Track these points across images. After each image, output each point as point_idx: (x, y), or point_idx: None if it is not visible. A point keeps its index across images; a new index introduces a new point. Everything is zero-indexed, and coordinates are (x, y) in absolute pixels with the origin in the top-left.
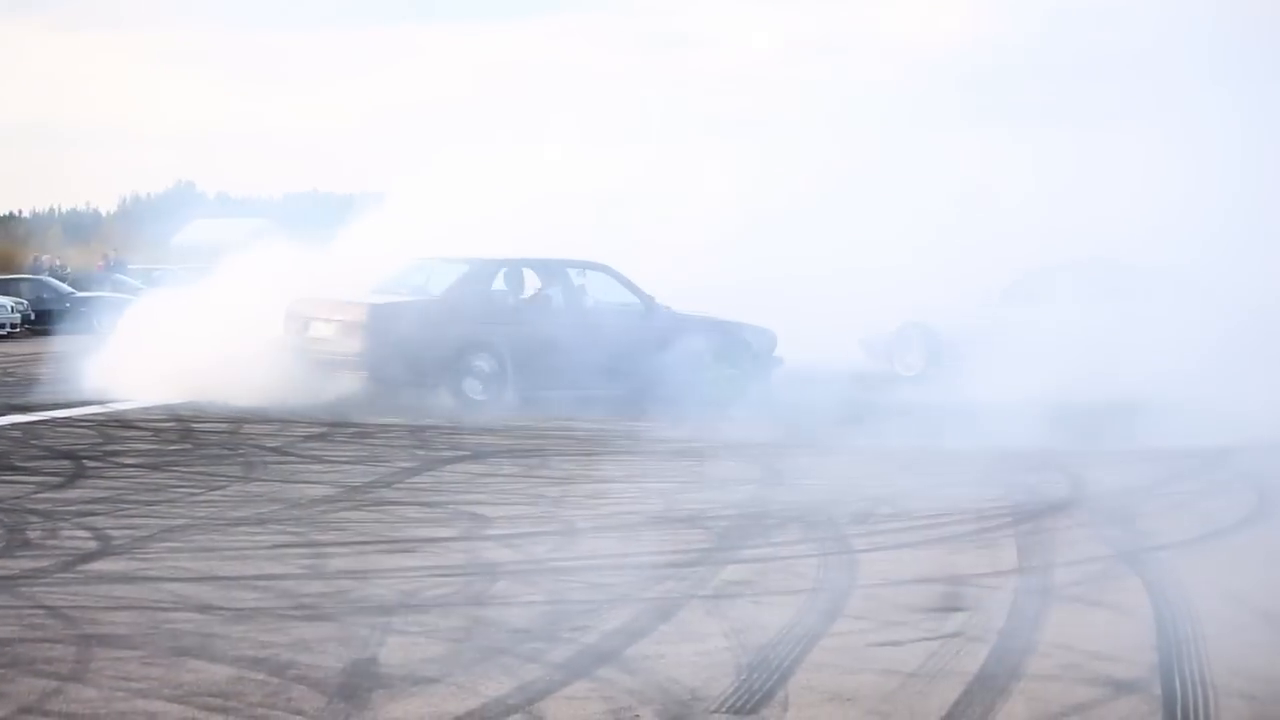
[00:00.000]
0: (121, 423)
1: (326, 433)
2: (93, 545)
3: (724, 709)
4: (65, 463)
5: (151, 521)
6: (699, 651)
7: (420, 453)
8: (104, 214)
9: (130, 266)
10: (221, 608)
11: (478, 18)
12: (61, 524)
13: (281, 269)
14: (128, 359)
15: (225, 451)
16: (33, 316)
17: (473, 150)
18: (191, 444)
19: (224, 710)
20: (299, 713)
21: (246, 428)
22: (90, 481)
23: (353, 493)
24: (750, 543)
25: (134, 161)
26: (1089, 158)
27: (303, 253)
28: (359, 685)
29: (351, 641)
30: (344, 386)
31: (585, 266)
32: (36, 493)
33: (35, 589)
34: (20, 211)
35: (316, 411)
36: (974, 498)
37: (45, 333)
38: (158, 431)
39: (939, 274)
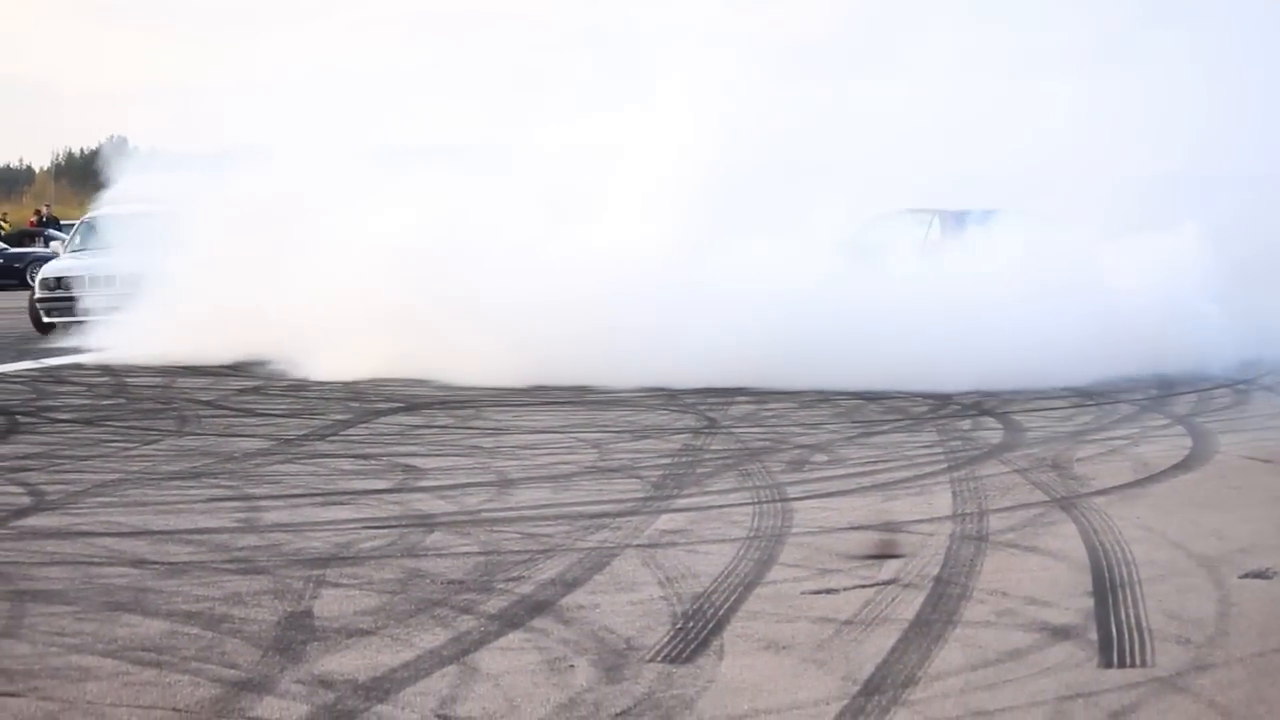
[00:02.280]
0: (55, 378)
1: (261, 386)
2: (26, 501)
3: (659, 658)
4: None
5: (85, 476)
6: (634, 601)
7: (354, 405)
8: (37, 170)
9: (63, 223)
10: (155, 562)
11: None
12: None
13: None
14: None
15: (159, 406)
16: None
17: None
18: (125, 398)
19: (158, 665)
20: (233, 666)
21: (180, 381)
22: (23, 437)
23: (286, 446)
24: (685, 492)
25: (67, 117)
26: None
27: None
28: (294, 638)
29: (285, 595)
30: None
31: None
32: None
33: None
34: None
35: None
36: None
37: None
38: (91, 386)
39: None
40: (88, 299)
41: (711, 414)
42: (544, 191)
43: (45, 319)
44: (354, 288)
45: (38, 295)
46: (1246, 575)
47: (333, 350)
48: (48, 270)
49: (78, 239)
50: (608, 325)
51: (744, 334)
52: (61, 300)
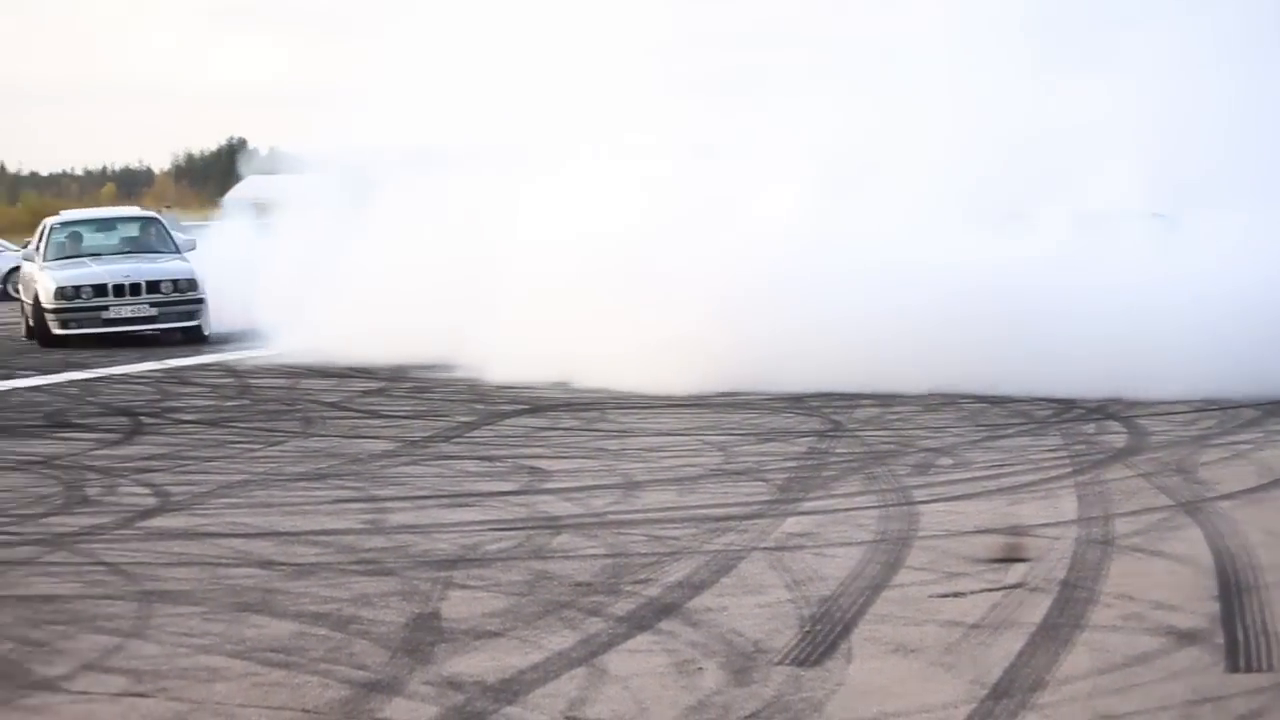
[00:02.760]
0: (179, 379)
1: (384, 387)
2: (152, 501)
3: (788, 661)
4: (123, 419)
5: (211, 477)
6: (761, 604)
7: (479, 407)
8: (156, 170)
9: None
10: (282, 563)
11: None
12: (120, 480)
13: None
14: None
15: (283, 407)
16: None
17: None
18: (249, 400)
19: (286, 665)
20: (362, 667)
21: (305, 383)
22: (148, 438)
23: (412, 447)
24: (811, 495)
25: (186, 118)
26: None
27: None
28: (421, 640)
29: (413, 596)
30: None
31: None
32: (94, 449)
33: (94, 545)
34: (72, 169)
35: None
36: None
37: None
38: (215, 387)
39: None
40: (118, 309)
41: (836, 417)
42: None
43: (59, 330)
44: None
45: (52, 305)
46: None
47: (511, 353)
48: (60, 279)
49: (53, 246)
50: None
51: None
52: (83, 311)
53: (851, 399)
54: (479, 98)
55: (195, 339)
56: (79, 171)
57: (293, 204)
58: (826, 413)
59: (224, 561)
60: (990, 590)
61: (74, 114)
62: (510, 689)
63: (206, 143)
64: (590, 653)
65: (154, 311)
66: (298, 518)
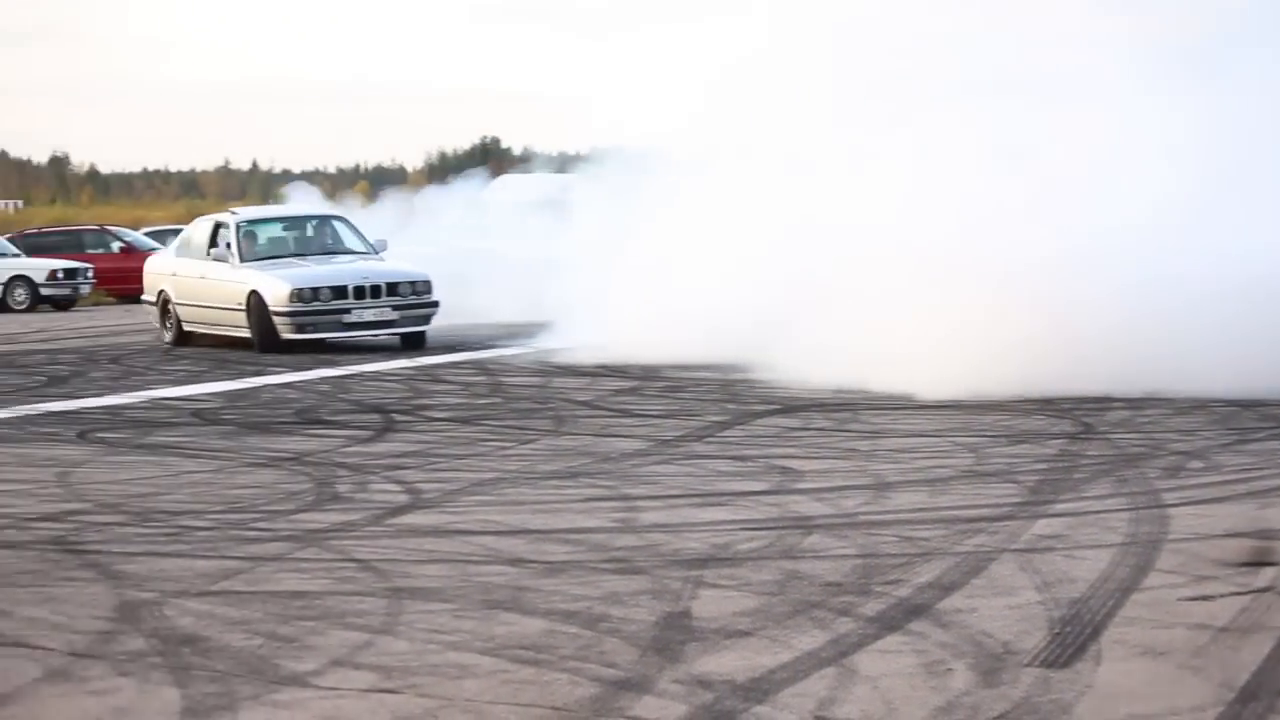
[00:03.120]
0: (431, 377)
1: (637, 386)
2: (403, 499)
3: (1037, 663)
4: (374, 417)
5: (462, 475)
6: (1011, 605)
7: (730, 406)
8: (409, 169)
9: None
10: (533, 561)
11: None
12: (371, 477)
13: None
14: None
15: (535, 405)
16: None
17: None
18: (501, 398)
19: (536, 663)
20: (612, 665)
21: (556, 381)
22: (399, 435)
23: (663, 446)
24: (1062, 497)
25: (439, 118)
26: None
27: None
28: (671, 638)
29: (664, 595)
30: None
31: None
32: (345, 446)
33: (345, 542)
34: (324, 167)
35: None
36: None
37: None
38: (467, 385)
39: None
40: (360, 312)
41: (1087, 419)
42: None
43: (293, 335)
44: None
45: (285, 307)
46: None
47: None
48: (294, 279)
49: (249, 246)
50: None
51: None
52: (321, 314)
53: (1102, 401)
54: (765, 95)
55: (416, 345)
56: (331, 169)
57: (567, 201)
58: (1077, 415)
59: (474, 559)
60: (1239, 594)
61: (333, 113)
62: (759, 688)
63: (460, 141)
64: (840, 653)
65: (395, 315)
66: (549, 516)
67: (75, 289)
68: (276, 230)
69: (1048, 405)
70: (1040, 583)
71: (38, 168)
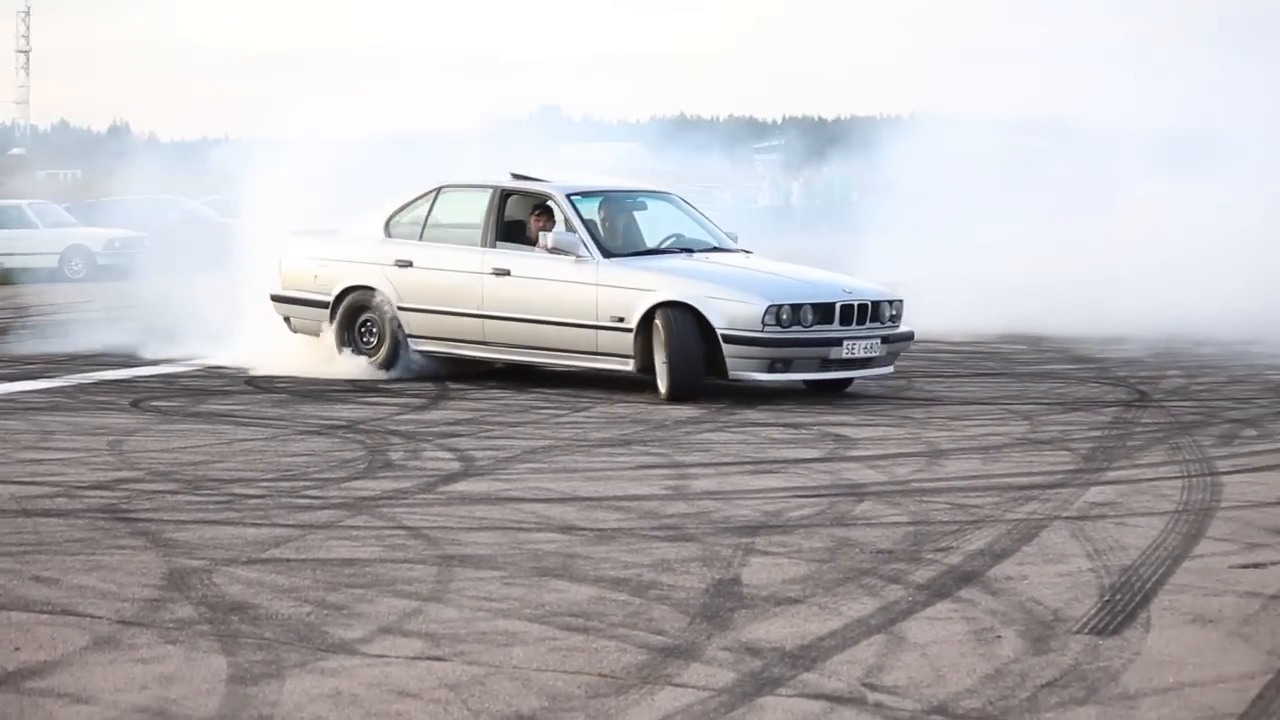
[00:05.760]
0: None
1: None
2: (455, 466)
3: (1086, 630)
4: (428, 384)
5: (515, 443)
6: (1061, 573)
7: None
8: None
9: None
10: (584, 528)
11: None
12: (424, 445)
13: None
14: None
15: None
16: None
17: None
18: None
19: (585, 630)
20: (660, 633)
21: None
22: (453, 403)
23: (716, 414)
24: (1115, 465)
25: (496, 85)
26: None
27: None
28: (721, 605)
29: (714, 562)
30: None
31: None
32: (399, 414)
33: (396, 510)
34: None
35: None
36: None
37: None
38: None
39: None
40: (852, 344)
41: (1142, 387)
42: None
43: (760, 375)
44: None
45: (752, 332)
46: None
47: None
48: (770, 292)
49: (601, 232)
50: None
51: None
52: (802, 345)
53: (1158, 369)
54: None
55: (838, 387)
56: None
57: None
58: (1133, 383)
59: (525, 526)
60: None
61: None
62: (808, 655)
63: (518, 110)
64: (889, 620)
65: (883, 352)
66: (600, 483)
67: (132, 259)
68: (622, 211)
69: (1103, 372)
70: (1091, 550)
71: (98, 136)
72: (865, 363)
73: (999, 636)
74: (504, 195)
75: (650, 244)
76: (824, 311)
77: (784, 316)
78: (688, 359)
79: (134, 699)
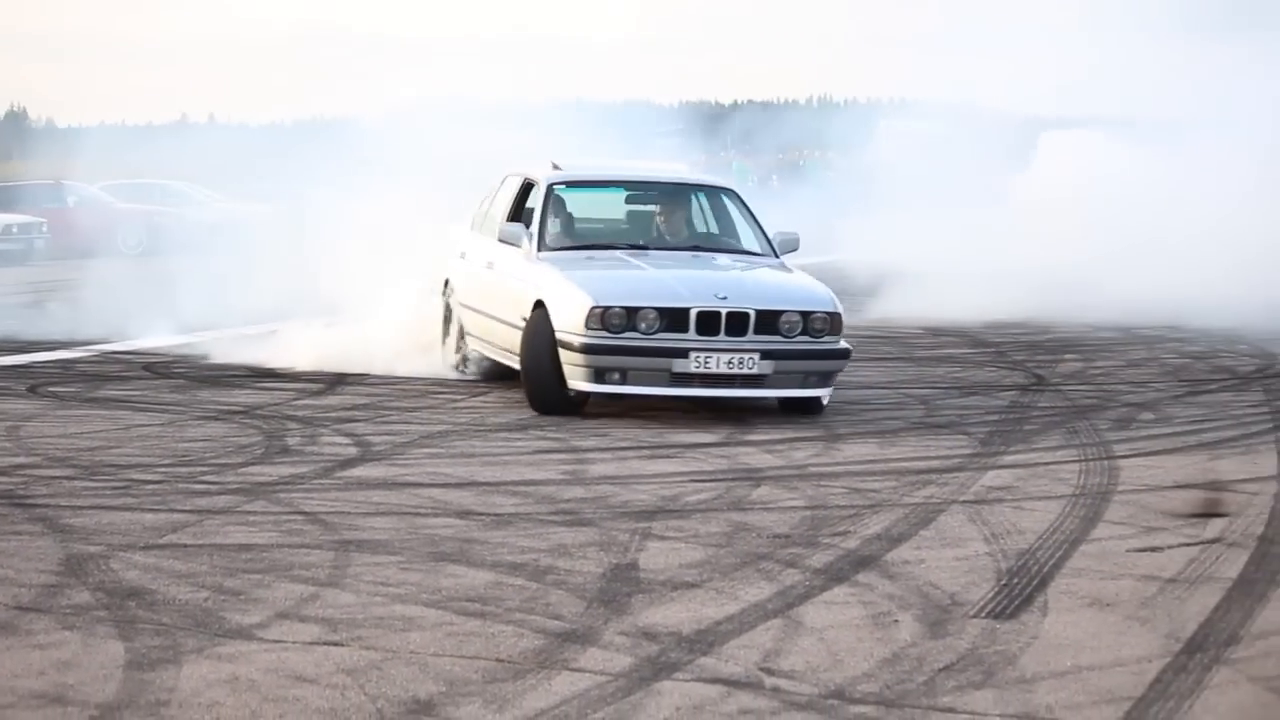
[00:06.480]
0: None
1: None
2: (352, 451)
3: (984, 614)
4: (325, 370)
5: (412, 428)
6: (959, 557)
7: None
8: None
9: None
10: (481, 513)
11: None
12: (321, 430)
13: None
14: None
15: None
16: None
17: None
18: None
19: (482, 615)
20: (557, 617)
21: None
22: (350, 388)
23: (615, 399)
24: (1012, 449)
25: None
26: None
27: None
28: (618, 590)
29: (611, 547)
30: None
31: None
32: (296, 399)
33: (294, 495)
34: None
35: None
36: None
37: None
38: None
39: None
40: (702, 356)
41: (1039, 371)
42: None
43: (584, 385)
44: None
45: (578, 335)
46: None
47: None
48: (601, 290)
49: (553, 220)
50: None
51: None
52: (633, 353)
53: (1054, 352)
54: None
55: (812, 410)
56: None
57: None
58: (1030, 367)
59: (422, 511)
60: (1188, 545)
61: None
62: (705, 640)
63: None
64: (786, 604)
65: (765, 368)
66: (497, 468)
67: (29, 244)
68: (615, 203)
69: (1000, 356)
70: (988, 534)
71: None
72: (747, 380)
73: (896, 621)
74: (526, 183)
75: (637, 244)
76: (674, 317)
77: (614, 320)
78: (536, 362)
79: (31, 685)
